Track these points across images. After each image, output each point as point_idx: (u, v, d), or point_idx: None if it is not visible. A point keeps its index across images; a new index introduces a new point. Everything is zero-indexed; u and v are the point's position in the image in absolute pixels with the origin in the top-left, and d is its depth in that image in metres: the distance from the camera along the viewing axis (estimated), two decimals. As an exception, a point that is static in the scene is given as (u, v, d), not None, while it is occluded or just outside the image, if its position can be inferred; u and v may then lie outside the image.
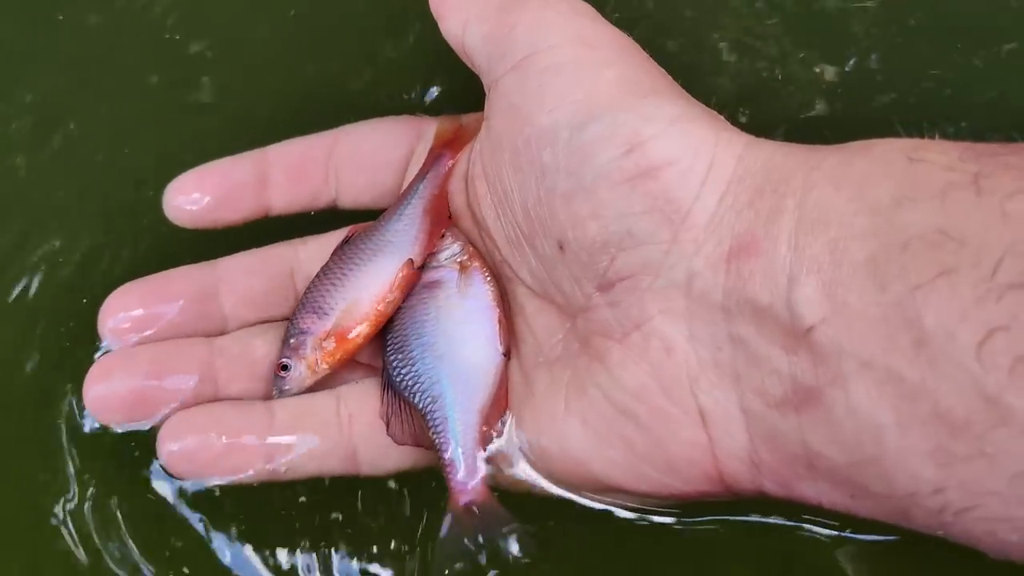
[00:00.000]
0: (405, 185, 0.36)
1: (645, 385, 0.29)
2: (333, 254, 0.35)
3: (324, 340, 0.34)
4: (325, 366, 0.34)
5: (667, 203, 0.28)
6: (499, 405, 0.33)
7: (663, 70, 0.31)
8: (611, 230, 0.29)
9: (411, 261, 0.34)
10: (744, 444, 0.28)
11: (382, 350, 0.34)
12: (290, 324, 0.35)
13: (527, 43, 0.31)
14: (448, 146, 0.35)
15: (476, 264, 0.34)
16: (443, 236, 0.35)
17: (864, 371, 0.24)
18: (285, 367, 0.34)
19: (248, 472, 0.33)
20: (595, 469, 0.30)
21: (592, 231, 0.29)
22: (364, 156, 0.37)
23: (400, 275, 0.34)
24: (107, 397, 0.34)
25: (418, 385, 0.33)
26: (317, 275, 0.35)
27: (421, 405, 0.33)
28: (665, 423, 0.29)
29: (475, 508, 0.32)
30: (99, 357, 0.35)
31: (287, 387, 0.34)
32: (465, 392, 0.32)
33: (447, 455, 0.32)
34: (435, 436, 0.32)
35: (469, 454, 0.32)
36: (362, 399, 0.34)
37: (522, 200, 0.31)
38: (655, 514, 0.32)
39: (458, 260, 0.34)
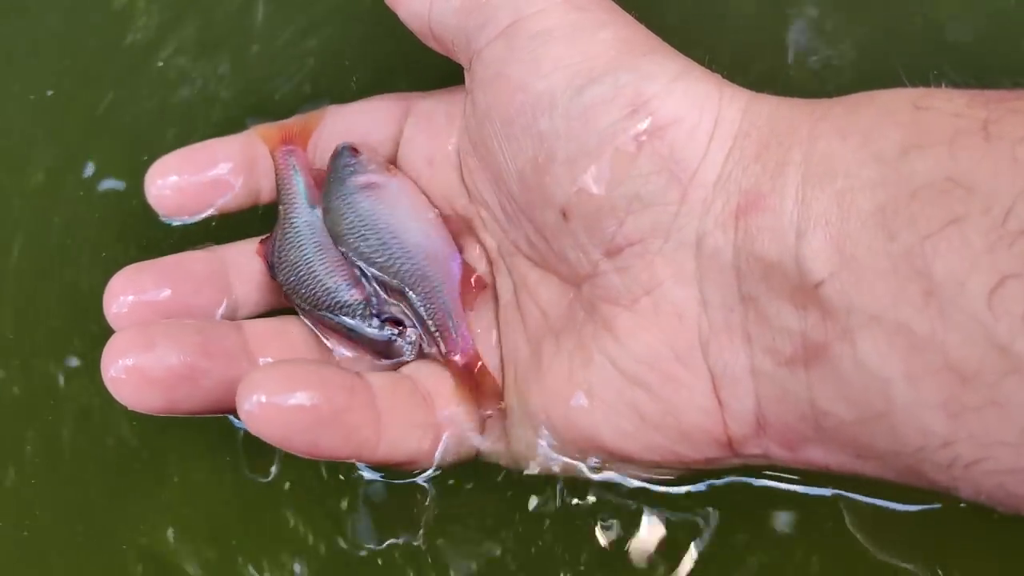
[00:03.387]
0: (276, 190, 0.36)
1: (657, 352, 0.29)
2: (286, 272, 0.34)
3: None
4: None
5: (675, 163, 0.28)
6: (467, 287, 0.34)
7: (651, 32, 0.30)
8: (618, 193, 0.28)
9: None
10: (751, 407, 0.28)
11: (337, 243, 0.34)
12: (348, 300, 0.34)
13: (511, 9, 0.30)
14: (286, 141, 0.36)
15: (400, 172, 0.36)
16: (358, 152, 0.35)
17: (873, 324, 0.24)
18: (400, 322, 0.34)
19: (351, 447, 0.30)
20: (604, 440, 0.30)
21: (598, 196, 0.28)
22: (355, 137, 0.36)
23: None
24: (145, 372, 0.30)
25: (397, 265, 0.34)
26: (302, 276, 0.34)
27: (404, 283, 0.33)
28: (677, 390, 0.28)
29: (471, 368, 0.33)
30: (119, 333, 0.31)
31: (410, 345, 0.34)
32: (442, 269, 0.34)
33: (442, 323, 0.33)
34: (426, 308, 0.33)
35: (460, 320, 0.33)
36: (436, 377, 0.33)
37: (518, 171, 0.30)
38: (659, 483, 0.32)
39: (386, 166, 0.35)
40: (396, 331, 0.34)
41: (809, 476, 0.31)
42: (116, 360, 0.30)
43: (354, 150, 0.35)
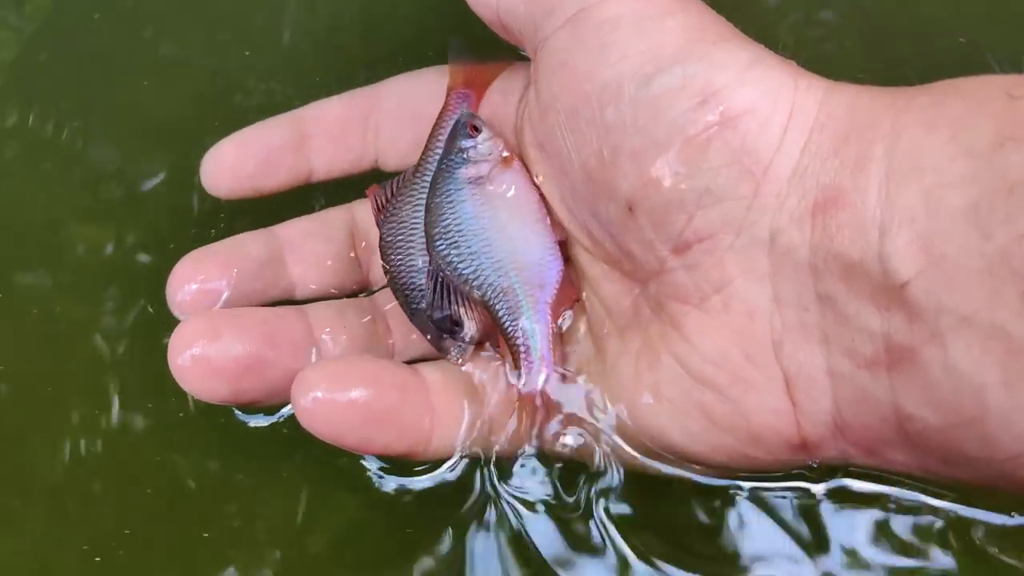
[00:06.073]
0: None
1: (726, 352, 0.28)
2: (392, 226, 0.33)
3: None
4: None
5: (747, 155, 0.27)
6: (564, 299, 0.33)
7: (723, 18, 0.29)
8: (687, 187, 0.27)
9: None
10: (828, 409, 0.27)
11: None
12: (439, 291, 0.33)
13: None
14: (468, 85, 0.35)
15: (517, 161, 0.33)
16: (478, 129, 0.33)
17: (965, 327, 0.23)
18: (457, 323, 0.32)
19: (405, 444, 0.31)
20: (673, 441, 0.30)
21: (666, 189, 0.28)
22: (408, 112, 0.35)
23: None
24: (212, 361, 0.30)
25: (482, 278, 0.32)
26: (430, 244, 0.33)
27: (487, 297, 0.32)
28: (748, 391, 0.28)
29: (544, 396, 0.32)
30: (188, 320, 0.32)
31: (459, 349, 0.33)
32: (534, 282, 0.32)
33: (521, 343, 0.32)
34: (508, 325, 0.32)
35: (544, 342, 0.32)
36: (489, 368, 0.33)
37: (582, 163, 0.30)
38: (740, 478, 0.32)
39: (502, 156, 0.33)
40: (449, 331, 0.33)
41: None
42: (183, 349, 0.31)
43: (474, 128, 0.33)
